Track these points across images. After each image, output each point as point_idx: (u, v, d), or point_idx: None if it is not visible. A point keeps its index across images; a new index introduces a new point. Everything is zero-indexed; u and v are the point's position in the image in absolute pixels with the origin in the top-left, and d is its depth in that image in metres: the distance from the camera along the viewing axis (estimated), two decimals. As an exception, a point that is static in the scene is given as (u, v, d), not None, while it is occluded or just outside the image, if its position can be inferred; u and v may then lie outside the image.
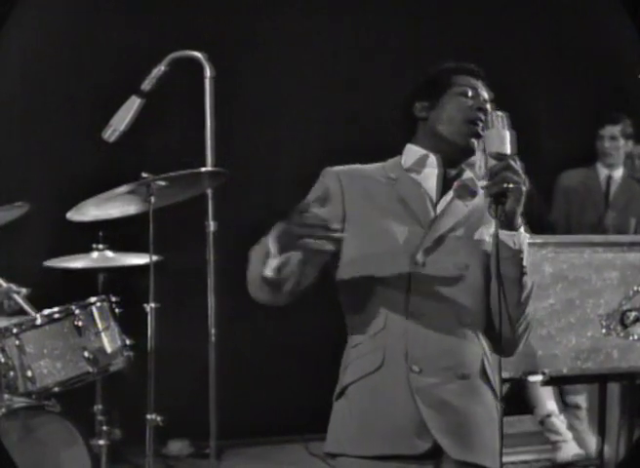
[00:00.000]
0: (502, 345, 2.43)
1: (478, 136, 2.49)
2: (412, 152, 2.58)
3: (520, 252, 2.40)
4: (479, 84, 2.59)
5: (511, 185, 2.33)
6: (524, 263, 2.40)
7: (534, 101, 5.63)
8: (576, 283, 3.59)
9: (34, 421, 3.85)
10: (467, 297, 2.47)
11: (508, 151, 2.39)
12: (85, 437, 3.94)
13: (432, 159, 2.55)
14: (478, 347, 2.49)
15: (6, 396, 3.91)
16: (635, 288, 3.62)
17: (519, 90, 5.47)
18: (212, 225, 4.05)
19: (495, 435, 2.45)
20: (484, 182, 2.38)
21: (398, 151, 2.66)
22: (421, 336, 2.43)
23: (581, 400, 5.10)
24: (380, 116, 5.73)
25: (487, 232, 2.51)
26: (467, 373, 2.45)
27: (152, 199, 3.93)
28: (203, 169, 4.00)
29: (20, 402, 3.89)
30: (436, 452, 2.41)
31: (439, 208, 2.52)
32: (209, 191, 4.08)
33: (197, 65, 4.02)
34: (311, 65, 5.69)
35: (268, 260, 2.42)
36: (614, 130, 5.51)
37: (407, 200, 2.51)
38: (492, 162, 2.38)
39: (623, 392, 4.15)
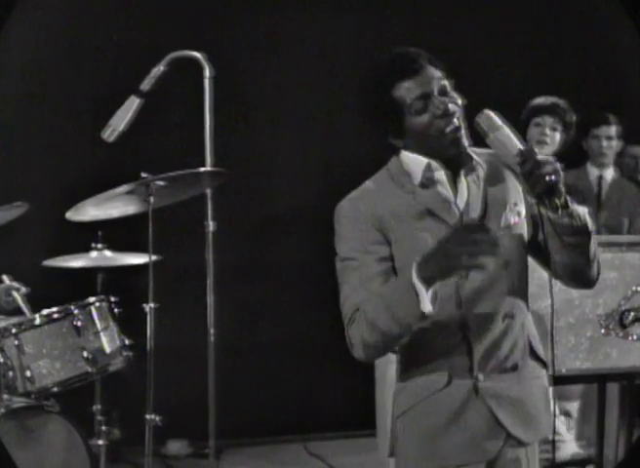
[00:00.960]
0: (584, 286, 2.63)
1: (458, 142, 2.44)
2: (412, 161, 2.53)
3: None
4: (421, 80, 2.47)
5: (553, 177, 2.34)
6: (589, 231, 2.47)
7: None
8: (575, 283, 3.59)
9: (33, 421, 3.85)
10: (510, 291, 2.51)
11: (521, 146, 2.38)
12: (84, 437, 3.94)
13: (435, 164, 2.51)
14: (523, 333, 2.55)
15: (5, 396, 3.91)
16: (634, 288, 3.62)
17: (519, 90, 5.47)
18: (211, 225, 4.05)
19: (549, 404, 2.62)
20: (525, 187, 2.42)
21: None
22: (479, 346, 2.49)
23: (573, 408, 5.02)
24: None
25: (514, 205, 2.52)
26: (518, 364, 2.53)
27: (151, 199, 3.94)
28: (202, 169, 4.00)
29: (19, 402, 3.89)
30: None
31: (460, 204, 2.50)
32: (208, 191, 4.08)
33: (196, 65, 4.03)
34: (311, 65, 5.69)
35: (421, 296, 2.32)
36: (610, 130, 5.51)
37: (432, 209, 2.48)
38: (516, 165, 2.37)
39: (622, 392, 4.15)
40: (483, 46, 5.98)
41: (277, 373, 5.56)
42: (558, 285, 3.59)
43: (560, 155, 4.88)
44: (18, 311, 4.15)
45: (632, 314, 3.59)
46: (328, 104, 5.66)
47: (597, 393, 3.82)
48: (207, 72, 4.01)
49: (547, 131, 4.88)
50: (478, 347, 2.48)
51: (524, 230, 2.54)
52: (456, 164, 2.51)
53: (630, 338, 3.60)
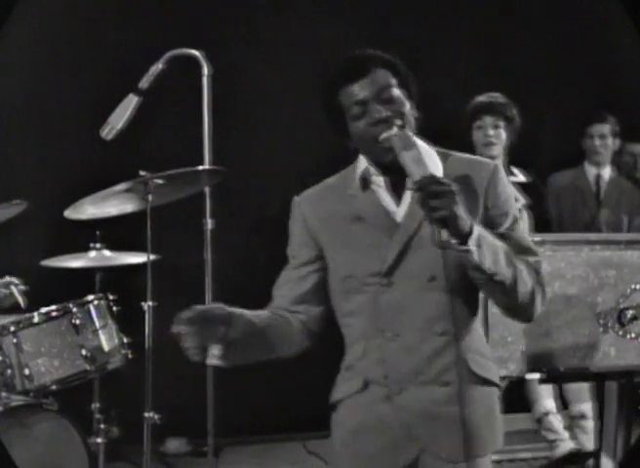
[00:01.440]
0: (518, 320, 2.56)
1: (391, 149, 2.37)
2: (362, 164, 2.53)
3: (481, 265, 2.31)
4: (363, 85, 2.43)
5: (442, 212, 2.22)
6: (489, 266, 2.32)
7: (533, 101, 5.63)
8: (573, 281, 3.59)
9: (32, 419, 3.85)
10: (439, 305, 2.44)
11: (421, 173, 2.28)
12: (83, 435, 3.94)
13: (373, 170, 2.50)
14: (457, 351, 2.47)
15: (3, 394, 3.91)
16: (633, 286, 3.62)
17: (519, 89, 5.46)
18: (209, 223, 4.05)
19: (494, 424, 2.55)
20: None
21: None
22: (400, 356, 2.46)
23: (587, 409, 4.98)
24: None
25: None
26: (449, 380, 2.47)
27: (150, 197, 3.94)
28: (201, 167, 4.00)
29: (17, 400, 3.89)
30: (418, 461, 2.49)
31: (398, 216, 2.47)
32: (206, 189, 4.08)
33: (195, 63, 4.02)
34: (309, 63, 5.68)
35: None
36: (603, 128, 5.51)
37: (362, 216, 2.48)
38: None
39: (621, 390, 4.15)
40: (483, 46, 5.98)
41: (276, 372, 5.55)
42: (557, 282, 3.60)
43: (559, 155, 4.89)
44: (15, 308, 4.15)
45: (631, 312, 3.59)
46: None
47: (596, 392, 3.83)
48: (205, 70, 4.01)
49: (490, 131, 4.78)
50: (397, 359, 2.46)
51: None
52: (402, 170, 2.42)
53: (629, 336, 3.60)
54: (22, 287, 4.16)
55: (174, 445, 5.46)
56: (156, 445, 5.12)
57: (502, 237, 2.42)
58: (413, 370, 2.46)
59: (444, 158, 2.49)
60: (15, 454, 3.68)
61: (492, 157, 4.82)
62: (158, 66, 4.05)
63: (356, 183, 2.51)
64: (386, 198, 2.48)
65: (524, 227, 2.56)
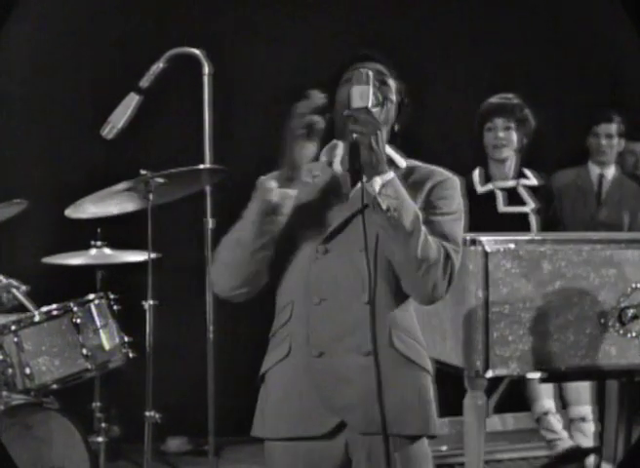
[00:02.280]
0: (414, 296, 2.52)
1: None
2: (332, 142, 2.67)
3: (378, 196, 2.40)
4: (363, 66, 2.64)
5: (355, 135, 2.39)
6: (388, 207, 2.39)
7: (533, 100, 5.62)
8: (574, 280, 3.60)
9: (33, 418, 3.85)
10: (366, 276, 2.47)
11: (358, 105, 2.46)
12: (83, 434, 3.94)
13: (340, 146, 2.63)
14: (384, 321, 2.50)
15: (4, 393, 3.91)
16: (633, 285, 3.63)
17: (519, 89, 5.46)
18: (210, 222, 4.04)
19: (421, 407, 2.53)
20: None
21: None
22: (323, 322, 2.51)
23: (588, 411, 4.96)
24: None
25: None
26: (370, 350, 2.48)
27: (151, 196, 3.94)
28: (201, 166, 3.99)
29: (18, 399, 3.89)
30: (343, 428, 2.51)
31: (350, 191, 2.57)
32: (207, 188, 4.08)
33: (196, 62, 4.02)
34: (310, 62, 5.68)
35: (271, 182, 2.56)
36: (610, 128, 5.50)
37: (321, 187, 2.60)
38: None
39: (621, 389, 4.16)
40: (483, 46, 5.98)
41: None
42: (558, 281, 3.60)
43: (563, 155, 4.86)
44: (17, 308, 4.15)
45: (631, 311, 3.59)
46: (326, 101, 5.64)
47: (597, 391, 3.83)
48: (206, 69, 4.00)
49: (500, 133, 4.73)
50: (320, 324, 2.50)
51: None
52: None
53: (629, 335, 3.61)
54: (24, 287, 4.16)
55: (174, 443, 5.46)
56: (157, 443, 5.13)
57: (428, 222, 2.49)
58: (335, 336, 2.50)
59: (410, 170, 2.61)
60: (15, 453, 3.68)
61: (502, 159, 4.80)
62: (159, 65, 4.05)
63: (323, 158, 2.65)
64: (344, 174, 2.59)
65: (459, 227, 2.58)
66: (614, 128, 5.49)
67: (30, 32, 5.25)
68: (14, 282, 4.17)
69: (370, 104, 2.47)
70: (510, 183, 4.82)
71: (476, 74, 5.86)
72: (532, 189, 4.84)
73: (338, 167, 2.62)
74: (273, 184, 2.55)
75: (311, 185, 2.60)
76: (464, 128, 5.06)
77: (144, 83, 4.06)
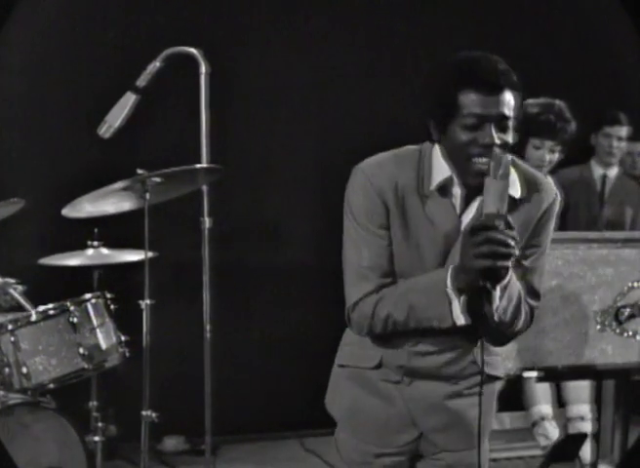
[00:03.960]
0: (491, 343, 2.60)
1: (482, 175, 2.32)
2: (440, 168, 2.46)
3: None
4: (490, 101, 2.34)
5: (487, 262, 2.23)
6: (496, 310, 2.36)
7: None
8: (570, 279, 3.60)
9: (29, 418, 3.85)
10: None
11: (492, 210, 2.26)
12: (80, 433, 3.94)
13: (455, 181, 2.45)
14: (470, 351, 2.59)
15: (1, 392, 3.90)
16: (630, 284, 3.63)
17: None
18: (207, 222, 4.05)
19: (491, 412, 2.70)
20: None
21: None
22: (415, 359, 2.56)
23: (586, 410, 4.99)
24: (378, 114, 5.76)
25: None
26: (459, 380, 2.59)
27: (147, 195, 3.94)
28: (198, 165, 4.00)
29: (15, 398, 3.89)
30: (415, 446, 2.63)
31: (464, 220, 2.48)
32: (204, 187, 4.08)
33: (192, 61, 4.02)
34: (308, 62, 5.68)
35: (453, 306, 2.39)
36: (622, 130, 5.51)
37: (433, 221, 2.46)
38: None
39: (618, 389, 4.16)
40: (483, 46, 5.96)
41: (273, 370, 5.56)
42: (554, 281, 3.60)
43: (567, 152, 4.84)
44: (14, 308, 4.15)
45: (628, 310, 3.59)
46: (324, 101, 5.65)
47: (595, 390, 3.83)
48: (203, 68, 4.01)
49: (547, 155, 4.64)
50: (416, 348, 2.54)
51: None
52: (477, 194, 2.44)
53: (626, 334, 3.61)
54: (20, 287, 4.16)
55: (171, 443, 5.46)
56: (153, 443, 5.13)
57: (522, 267, 2.48)
58: (427, 372, 2.57)
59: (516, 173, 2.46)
60: (12, 453, 3.68)
61: None
62: (156, 64, 4.05)
63: (432, 185, 2.45)
64: (458, 208, 2.47)
65: (543, 264, 2.59)
66: (625, 130, 5.50)
67: (30, 33, 5.24)
68: (10, 281, 4.17)
69: (504, 209, 2.25)
70: None
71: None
72: None
73: (455, 200, 2.48)
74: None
75: (424, 213, 2.48)
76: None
77: (141, 82, 4.06)
